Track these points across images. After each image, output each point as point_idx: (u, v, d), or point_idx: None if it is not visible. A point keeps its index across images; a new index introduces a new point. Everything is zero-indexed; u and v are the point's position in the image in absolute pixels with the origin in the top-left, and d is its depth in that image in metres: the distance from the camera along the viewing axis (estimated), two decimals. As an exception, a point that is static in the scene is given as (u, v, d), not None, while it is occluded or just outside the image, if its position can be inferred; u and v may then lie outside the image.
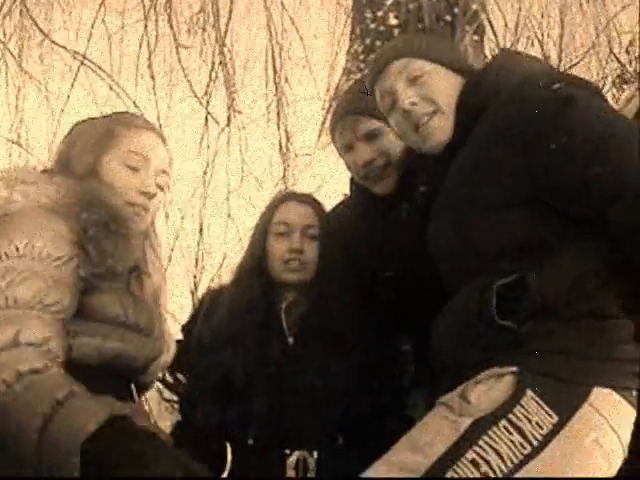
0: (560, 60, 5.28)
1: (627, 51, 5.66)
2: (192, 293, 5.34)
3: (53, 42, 6.08)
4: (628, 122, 1.80)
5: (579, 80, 1.95)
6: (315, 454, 2.22)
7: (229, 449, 2.35)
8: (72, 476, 1.41)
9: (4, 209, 1.78)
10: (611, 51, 5.68)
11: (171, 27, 6.05)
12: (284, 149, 6.13)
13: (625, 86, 5.38)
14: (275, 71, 6.25)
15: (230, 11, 6.13)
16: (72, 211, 1.81)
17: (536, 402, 1.67)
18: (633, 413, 1.72)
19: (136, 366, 1.89)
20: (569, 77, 1.98)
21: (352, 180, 2.64)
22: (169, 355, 2.11)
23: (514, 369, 1.72)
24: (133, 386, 1.92)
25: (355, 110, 2.45)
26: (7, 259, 1.68)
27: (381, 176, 2.42)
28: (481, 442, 1.66)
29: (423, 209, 2.24)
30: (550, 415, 1.66)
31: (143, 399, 2.16)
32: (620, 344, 1.69)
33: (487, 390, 1.72)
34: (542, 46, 5.41)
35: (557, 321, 1.72)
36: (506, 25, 5.26)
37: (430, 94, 2.04)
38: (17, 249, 1.69)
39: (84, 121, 2.12)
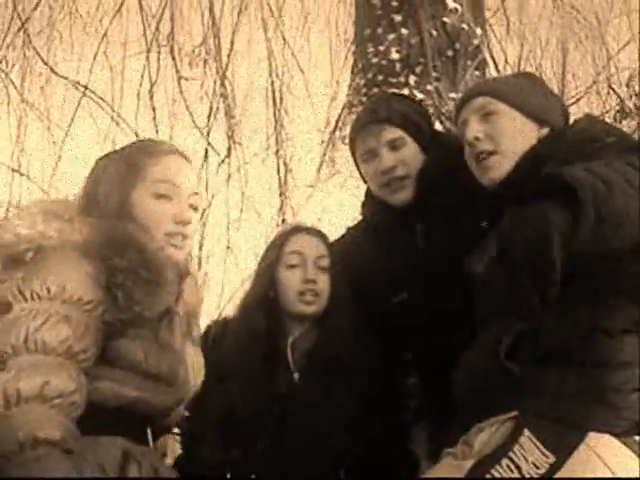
0: (562, 95, 5.32)
1: (627, 86, 5.70)
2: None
3: (55, 73, 6.12)
4: None
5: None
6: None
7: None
8: None
9: (38, 243, 1.76)
10: (610, 87, 5.73)
11: (173, 59, 6.10)
12: (283, 181, 6.15)
13: (624, 121, 5.42)
14: (275, 103, 6.30)
15: (232, 43, 6.20)
16: (103, 254, 1.77)
17: (532, 442, 1.68)
18: (636, 463, 1.71)
19: (154, 413, 1.87)
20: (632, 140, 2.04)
21: (365, 201, 2.64)
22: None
23: (514, 414, 1.73)
24: (149, 431, 1.89)
25: (380, 119, 2.47)
26: (38, 300, 1.67)
27: (400, 186, 2.43)
28: None
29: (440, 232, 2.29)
30: (546, 455, 1.66)
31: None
32: (619, 392, 1.69)
33: (489, 435, 1.74)
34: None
35: (558, 366, 1.73)
36: (507, 61, 5.32)
37: (495, 134, 2.09)
38: (49, 291, 1.68)
39: (106, 155, 2.07)
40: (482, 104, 2.13)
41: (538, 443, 1.67)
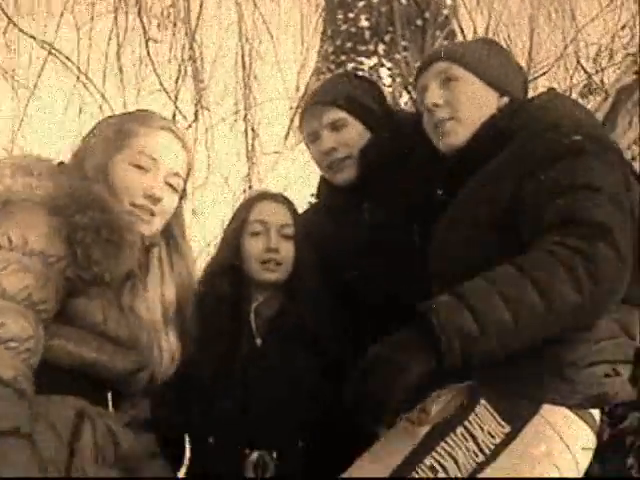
0: (529, 69, 5.33)
1: (594, 60, 5.73)
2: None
3: (20, 30, 6.02)
4: (618, 187, 1.79)
5: (607, 141, 1.97)
6: (275, 455, 2.22)
7: (188, 446, 2.36)
8: None
9: (5, 196, 1.75)
10: (578, 61, 5.75)
11: (141, 20, 6.02)
12: (250, 147, 6.12)
13: (591, 96, 5.45)
14: (244, 68, 6.25)
15: (201, 6, 6.12)
16: (67, 210, 1.76)
17: (488, 411, 1.71)
18: (591, 436, 1.76)
19: (112, 377, 1.85)
20: (599, 135, 1.97)
21: (320, 181, 2.66)
22: (168, 367, 2.04)
23: (470, 383, 1.75)
24: (109, 395, 1.87)
25: (322, 100, 2.49)
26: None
27: (342, 167, 2.45)
28: (439, 448, 1.69)
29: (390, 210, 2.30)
30: (502, 425, 1.69)
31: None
32: (574, 366, 1.72)
33: (445, 403, 1.76)
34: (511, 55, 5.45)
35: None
36: (475, 32, 5.30)
37: (454, 100, 2.08)
38: (10, 241, 1.67)
39: (108, 117, 2.09)
40: (442, 69, 2.12)
41: (494, 412, 1.70)
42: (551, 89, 2.34)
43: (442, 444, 1.69)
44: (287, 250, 2.39)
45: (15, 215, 1.72)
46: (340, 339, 2.31)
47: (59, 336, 1.73)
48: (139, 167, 1.93)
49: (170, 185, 1.98)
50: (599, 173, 1.77)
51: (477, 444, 1.67)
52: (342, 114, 2.45)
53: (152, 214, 1.94)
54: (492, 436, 1.68)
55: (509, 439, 1.67)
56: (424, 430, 1.73)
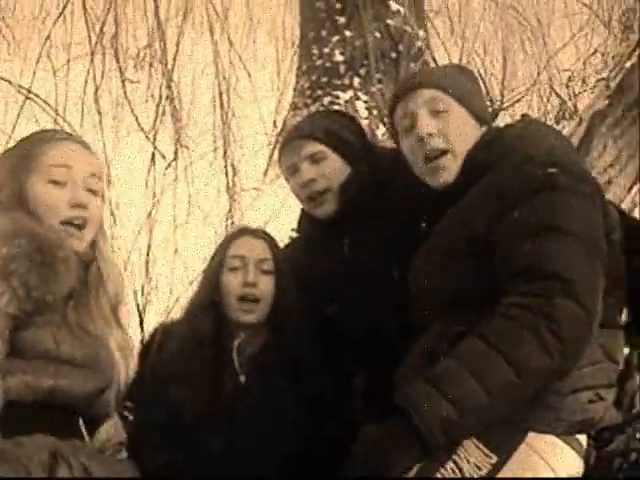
0: (502, 96, 5.39)
1: (567, 86, 5.78)
2: (139, 327, 5.28)
3: (-5, 75, 6.03)
4: (591, 225, 1.81)
5: (581, 171, 1.98)
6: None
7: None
8: None
9: None
10: (551, 87, 5.81)
11: (117, 61, 6.05)
12: (231, 183, 6.13)
13: (565, 122, 5.49)
14: (222, 106, 6.27)
15: (177, 45, 6.16)
16: None
17: (474, 443, 1.70)
18: (578, 461, 1.77)
19: (75, 401, 1.81)
20: (573, 165, 1.98)
21: (300, 215, 2.67)
22: (128, 377, 2.01)
23: None
24: (81, 421, 1.84)
25: (300, 134, 2.51)
26: None
27: (322, 200, 2.45)
28: None
29: (369, 245, 2.31)
30: (489, 456, 1.69)
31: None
32: (557, 393, 1.73)
33: None
34: (484, 83, 5.50)
35: None
36: (450, 61, 5.35)
37: (448, 132, 2.06)
38: None
39: (4, 151, 2.04)
40: (432, 97, 2.09)
41: (480, 444, 1.69)
42: (525, 115, 2.36)
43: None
44: (266, 285, 2.39)
45: None
46: (321, 372, 2.31)
47: (14, 372, 1.69)
48: (55, 182, 1.89)
49: (90, 189, 1.93)
50: (572, 212, 1.79)
51: (463, 476, 1.67)
52: (321, 147, 2.46)
53: (82, 227, 1.91)
54: (479, 468, 1.67)
55: (496, 469, 1.67)
56: (414, 468, 1.70)
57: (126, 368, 1.98)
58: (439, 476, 1.68)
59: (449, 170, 2.05)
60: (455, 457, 1.69)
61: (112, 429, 2.02)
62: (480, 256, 1.82)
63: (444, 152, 2.05)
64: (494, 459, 1.67)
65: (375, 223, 2.36)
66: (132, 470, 1.95)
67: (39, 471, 1.63)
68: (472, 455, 1.68)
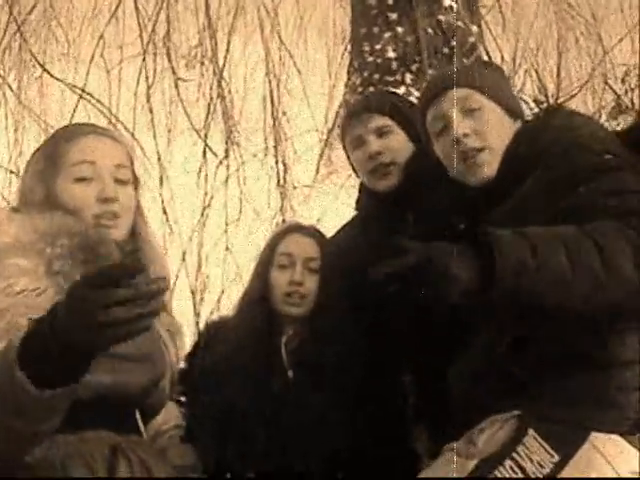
0: (558, 92, 5.32)
1: (623, 81, 5.70)
2: (195, 324, 5.32)
3: (51, 75, 6.12)
4: None
5: (624, 153, 1.92)
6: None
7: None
8: None
9: None
10: (606, 82, 5.73)
11: (169, 61, 6.09)
12: (282, 181, 6.15)
13: (620, 117, 5.41)
14: (273, 104, 6.28)
15: (228, 44, 6.18)
16: (36, 247, 1.74)
17: (537, 441, 1.68)
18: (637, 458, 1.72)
19: (132, 395, 1.83)
20: (618, 148, 1.94)
21: (360, 192, 2.68)
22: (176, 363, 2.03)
23: (517, 412, 1.73)
24: (138, 414, 1.87)
25: (368, 108, 2.53)
26: None
27: (385, 172, 2.46)
28: None
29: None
30: (551, 454, 1.66)
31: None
32: (622, 391, 1.70)
33: (492, 434, 1.74)
34: (540, 78, 5.45)
35: (561, 366, 1.73)
36: (503, 58, 5.31)
37: (483, 130, 2.05)
38: None
39: (33, 154, 2.02)
40: (463, 96, 2.08)
41: (543, 442, 1.67)
42: (560, 107, 2.32)
43: (490, 477, 1.66)
44: (311, 283, 2.40)
45: None
46: (369, 368, 2.31)
47: None
48: (82, 179, 1.88)
49: (119, 180, 1.93)
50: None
51: (526, 475, 1.64)
52: (388, 121, 2.49)
53: (116, 216, 1.90)
54: (541, 466, 1.65)
55: (558, 468, 1.64)
56: (472, 463, 1.70)
57: (176, 351, 1.99)
58: (498, 474, 1.66)
59: (489, 165, 2.03)
60: (515, 455, 1.67)
61: (167, 414, 2.05)
62: None
63: (481, 149, 2.04)
64: (556, 457, 1.65)
65: (435, 206, 2.30)
66: (190, 453, 1.97)
67: (101, 466, 1.65)
68: (534, 453, 1.66)
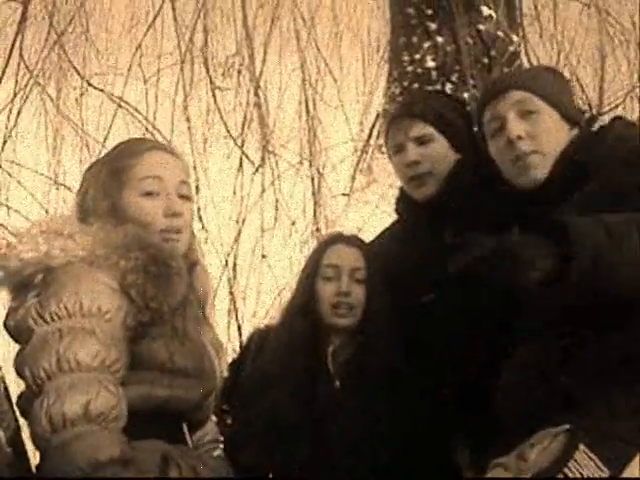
0: (601, 102, 5.29)
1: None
2: (233, 331, 5.33)
3: (91, 85, 6.18)
4: None
5: None
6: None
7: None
8: None
9: (44, 264, 1.76)
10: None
11: (207, 70, 6.13)
12: (317, 189, 6.16)
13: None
14: (308, 112, 6.30)
15: (264, 53, 6.21)
16: (111, 260, 1.78)
17: (588, 456, 1.66)
18: None
19: (187, 409, 1.88)
20: None
21: (399, 196, 2.67)
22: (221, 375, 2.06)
23: (567, 427, 1.71)
24: (185, 428, 1.90)
25: (410, 113, 2.51)
26: (59, 320, 1.68)
27: (422, 182, 2.45)
28: None
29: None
30: (602, 469, 1.64)
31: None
32: None
33: (543, 449, 1.72)
34: (582, 88, 5.41)
35: (613, 384, 1.72)
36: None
37: (537, 133, 2.06)
38: (67, 308, 1.68)
39: (92, 164, 2.08)
40: (521, 99, 2.10)
41: (594, 457, 1.65)
42: (618, 118, 2.32)
43: None
44: (358, 294, 2.40)
45: (63, 281, 1.73)
46: (415, 380, 2.30)
47: (131, 382, 1.74)
48: (149, 194, 1.93)
49: (183, 196, 1.97)
50: None
51: None
52: (430, 129, 2.46)
53: (179, 232, 1.94)
54: None
55: None
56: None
57: (221, 368, 2.03)
58: None
59: (540, 168, 2.04)
60: (566, 471, 1.65)
61: (207, 427, 2.07)
62: None
63: (533, 152, 2.05)
64: (607, 473, 1.63)
65: (477, 215, 2.29)
66: (225, 467, 2.00)
67: (151, 471, 1.69)
68: (585, 468, 1.65)
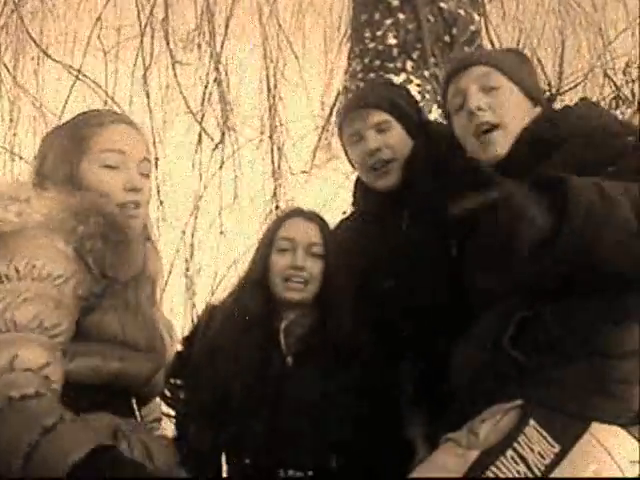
0: (560, 81, 5.33)
1: (624, 73, 5.71)
2: (191, 307, 5.31)
3: (48, 56, 6.09)
4: None
5: None
6: (309, 475, 2.19)
7: (224, 468, 2.34)
8: None
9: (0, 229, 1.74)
10: (606, 74, 5.73)
11: (167, 43, 6.06)
12: (277, 166, 6.14)
13: (620, 108, 5.42)
14: (269, 89, 6.27)
15: (226, 28, 6.16)
16: (68, 225, 1.76)
17: (538, 431, 1.67)
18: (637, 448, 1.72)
19: (136, 383, 1.86)
20: (636, 132, 1.97)
21: (356, 188, 2.66)
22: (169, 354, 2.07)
23: (519, 403, 1.73)
24: (134, 401, 1.89)
25: (367, 103, 2.50)
26: (7, 281, 1.65)
27: (385, 170, 2.44)
28: (489, 473, 1.66)
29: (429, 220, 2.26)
30: (552, 445, 1.66)
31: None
32: (624, 383, 1.69)
33: (494, 424, 1.73)
34: (542, 68, 5.44)
35: (564, 357, 1.73)
36: (502, 47, 5.29)
37: (499, 107, 2.07)
38: (17, 270, 1.66)
39: (51, 131, 2.05)
40: (483, 73, 2.11)
41: (544, 432, 1.66)
42: (584, 99, 2.33)
43: (492, 468, 1.66)
44: (314, 268, 2.37)
45: (16, 244, 1.71)
46: (370, 357, 2.29)
47: (81, 354, 1.72)
48: (109, 167, 1.91)
49: (143, 174, 1.97)
50: None
51: (528, 466, 1.64)
52: (386, 116, 2.46)
53: (137, 206, 1.94)
54: (542, 457, 1.64)
55: (559, 459, 1.64)
56: (474, 454, 1.69)
57: (170, 347, 2.05)
58: (500, 465, 1.66)
59: (501, 144, 2.05)
60: (516, 445, 1.66)
61: (151, 405, 2.06)
62: None
63: (494, 126, 2.06)
64: (557, 448, 1.64)
65: (435, 199, 2.31)
66: (166, 445, 1.98)
67: None
68: (536, 443, 1.66)
